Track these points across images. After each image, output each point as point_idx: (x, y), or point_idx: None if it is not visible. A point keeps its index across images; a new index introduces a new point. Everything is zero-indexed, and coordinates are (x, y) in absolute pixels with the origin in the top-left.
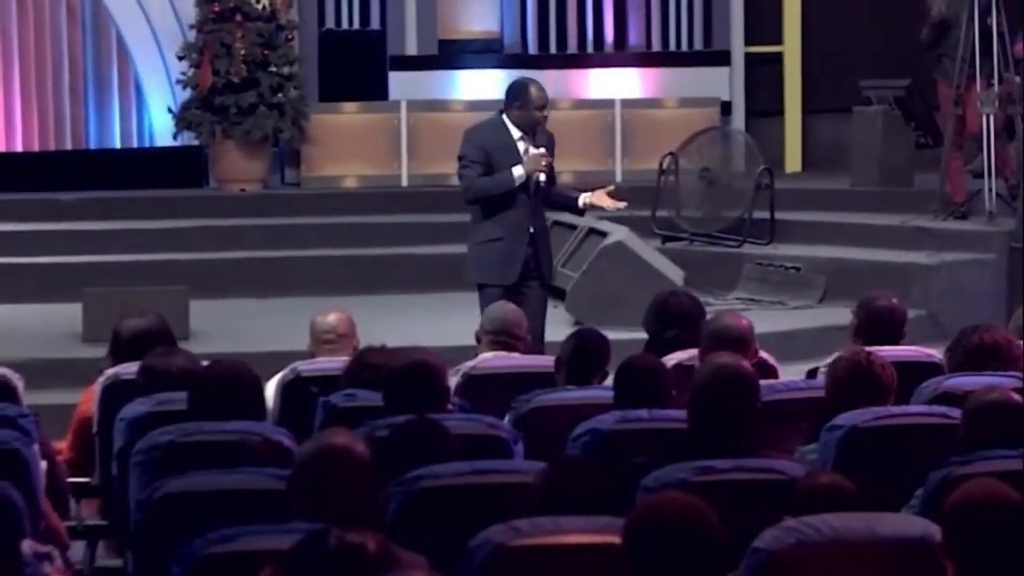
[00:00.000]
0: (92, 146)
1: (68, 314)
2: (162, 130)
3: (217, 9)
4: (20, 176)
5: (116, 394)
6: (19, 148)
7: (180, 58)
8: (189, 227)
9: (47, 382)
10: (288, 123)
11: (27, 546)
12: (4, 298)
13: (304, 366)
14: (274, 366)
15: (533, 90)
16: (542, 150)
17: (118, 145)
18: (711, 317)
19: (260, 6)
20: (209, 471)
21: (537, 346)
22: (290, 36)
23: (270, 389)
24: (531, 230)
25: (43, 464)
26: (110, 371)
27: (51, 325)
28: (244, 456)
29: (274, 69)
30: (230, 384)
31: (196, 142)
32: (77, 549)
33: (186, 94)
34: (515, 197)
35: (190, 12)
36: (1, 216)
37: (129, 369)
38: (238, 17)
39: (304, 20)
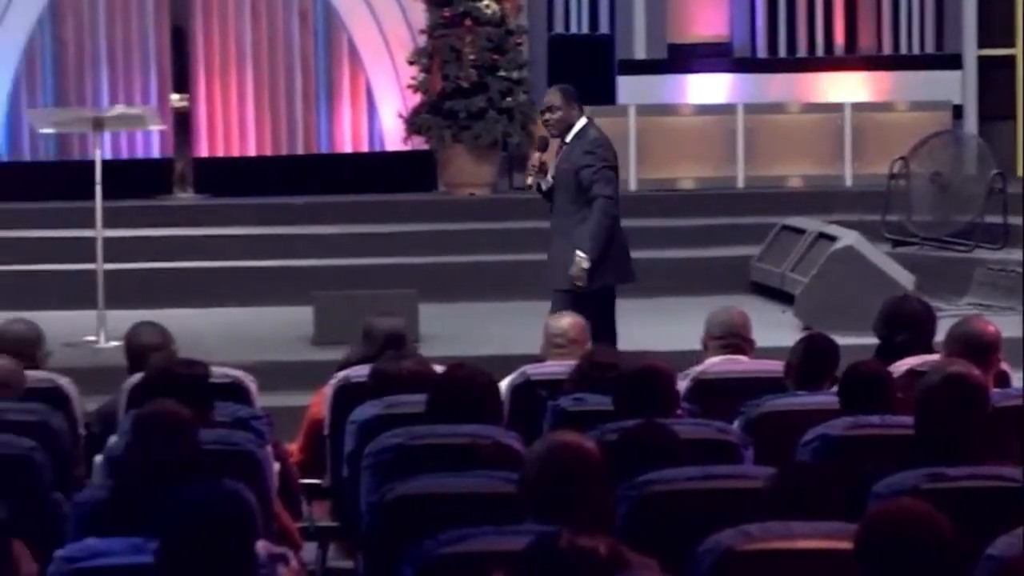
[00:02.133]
0: (323, 151)
1: (299, 317)
2: (392, 135)
3: (447, 14)
4: (253, 180)
5: (347, 397)
6: (252, 153)
7: (410, 63)
8: (418, 231)
9: (278, 384)
10: (517, 127)
11: (261, 547)
12: (237, 301)
13: (533, 370)
14: (503, 369)
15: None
16: (534, 155)
17: (349, 150)
18: (958, 321)
19: (490, 11)
20: (439, 474)
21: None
22: (519, 41)
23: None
24: (552, 236)
25: (276, 466)
26: (340, 374)
27: (282, 328)
28: (474, 459)
29: (503, 74)
30: (471, 388)
31: (426, 147)
32: (309, 550)
33: (416, 99)
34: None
35: (420, 17)
36: (234, 220)
37: (360, 372)
38: (468, 22)
39: (533, 24)
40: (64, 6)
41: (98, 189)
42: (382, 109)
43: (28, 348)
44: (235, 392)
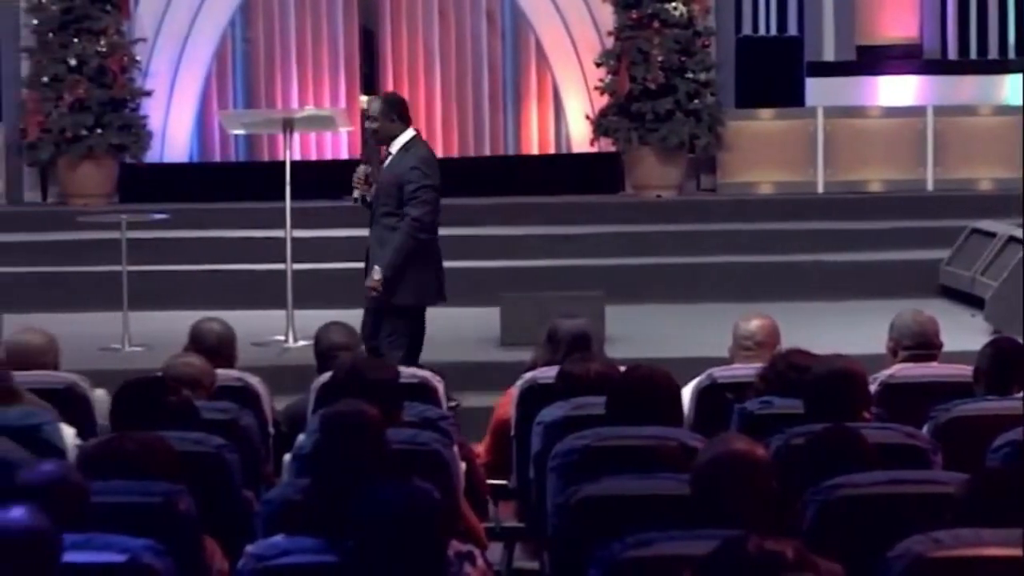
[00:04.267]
0: (510, 152)
1: (486, 318)
2: (579, 136)
3: (635, 16)
4: (440, 182)
5: (533, 398)
6: (439, 154)
7: (598, 65)
8: (605, 232)
9: (465, 385)
10: (704, 129)
11: (449, 546)
12: None
13: (720, 372)
14: (690, 371)
15: None
16: (360, 168)
17: (535, 152)
18: None
19: (678, 13)
20: (626, 476)
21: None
22: (707, 42)
23: (686, 394)
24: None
25: (462, 466)
26: (527, 375)
27: (469, 329)
28: (660, 461)
29: (691, 75)
30: (648, 389)
31: (613, 148)
32: (495, 551)
33: (603, 101)
34: None
35: (608, 19)
36: None
37: (546, 373)
38: (655, 24)
39: (721, 26)
40: (255, 8)
41: (287, 190)
42: (569, 111)
43: (227, 348)
44: (423, 392)
